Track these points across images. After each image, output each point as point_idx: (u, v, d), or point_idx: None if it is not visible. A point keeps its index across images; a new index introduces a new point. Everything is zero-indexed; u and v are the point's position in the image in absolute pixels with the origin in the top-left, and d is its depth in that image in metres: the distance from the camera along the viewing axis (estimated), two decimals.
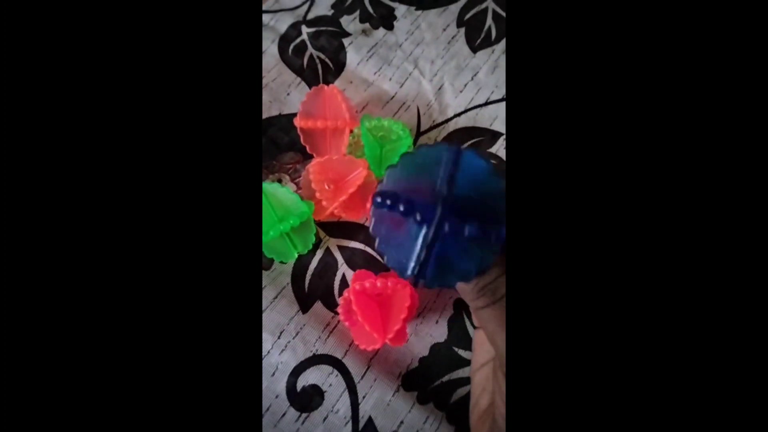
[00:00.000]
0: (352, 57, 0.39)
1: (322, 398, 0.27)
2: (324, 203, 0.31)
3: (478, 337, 0.24)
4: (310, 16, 0.40)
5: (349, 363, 0.28)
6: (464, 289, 0.19)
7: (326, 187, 0.31)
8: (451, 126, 0.36)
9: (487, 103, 0.37)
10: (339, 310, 0.28)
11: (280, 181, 0.34)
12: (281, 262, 0.31)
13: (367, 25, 0.40)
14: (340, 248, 0.32)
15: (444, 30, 0.40)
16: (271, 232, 0.28)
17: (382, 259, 0.19)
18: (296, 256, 0.31)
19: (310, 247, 0.31)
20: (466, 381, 0.28)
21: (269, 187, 0.29)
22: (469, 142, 0.36)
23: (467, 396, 0.28)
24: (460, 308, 0.30)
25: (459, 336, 0.29)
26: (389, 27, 0.40)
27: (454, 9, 0.40)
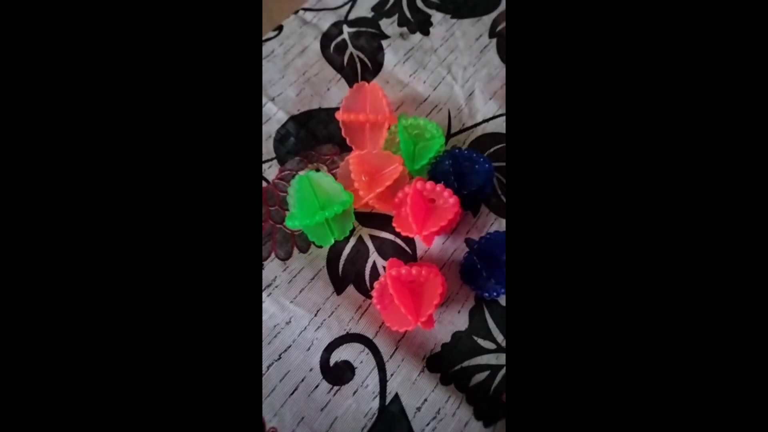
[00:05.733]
0: (389, 58, 0.41)
1: (353, 373, 0.30)
2: (361, 193, 0.33)
3: None
4: (352, 16, 0.42)
5: (380, 343, 0.30)
6: None
7: (363, 178, 0.33)
8: (480, 131, 0.39)
9: None
10: (373, 293, 0.30)
11: (317, 170, 0.36)
12: (319, 246, 0.33)
13: (405, 29, 0.42)
14: (372, 237, 0.34)
15: (477, 39, 0.42)
16: (316, 217, 0.30)
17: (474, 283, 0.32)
18: (333, 241, 0.33)
19: (347, 234, 0.33)
20: (485, 367, 0.31)
21: (315, 175, 0.31)
22: (495, 147, 0.38)
23: (485, 381, 0.30)
24: (481, 302, 0.32)
25: (479, 326, 0.32)
26: (425, 32, 0.42)
27: (487, 20, 0.43)
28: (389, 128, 0.36)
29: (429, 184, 0.30)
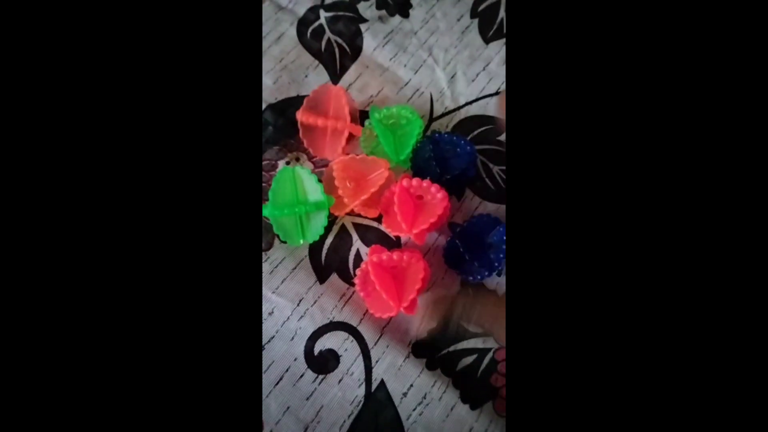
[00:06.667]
0: (368, 42, 0.40)
1: (338, 362, 0.29)
2: (345, 200, 0.31)
3: None
4: (328, 0, 0.41)
5: (364, 330, 0.30)
6: None
7: (347, 184, 0.32)
8: (463, 113, 0.38)
9: (497, 93, 0.39)
10: (356, 281, 0.30)
11: (297, 159, 0.35)
12: (283, 242, 0.32)
13: (384, 12, 0.41)
14: (355, 225, 0.34)
15: (458, 20, 0.41)
16: (286, 210, 0.29)
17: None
18: (300, 243, 0.31)
19: (317, 238, 0.31)
20: (471, 351, 0.30)
21: (301, 171, 0.31)
22: (479, 130, 0.37)
23: (472, 364, 0.30)
24: (467, 286, 0.32)
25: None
26: (405, 15, 0.41)
27: (468, 0, 0.42)
28: (351, 135, 0.34)
29: (415, 181, 0.30)
